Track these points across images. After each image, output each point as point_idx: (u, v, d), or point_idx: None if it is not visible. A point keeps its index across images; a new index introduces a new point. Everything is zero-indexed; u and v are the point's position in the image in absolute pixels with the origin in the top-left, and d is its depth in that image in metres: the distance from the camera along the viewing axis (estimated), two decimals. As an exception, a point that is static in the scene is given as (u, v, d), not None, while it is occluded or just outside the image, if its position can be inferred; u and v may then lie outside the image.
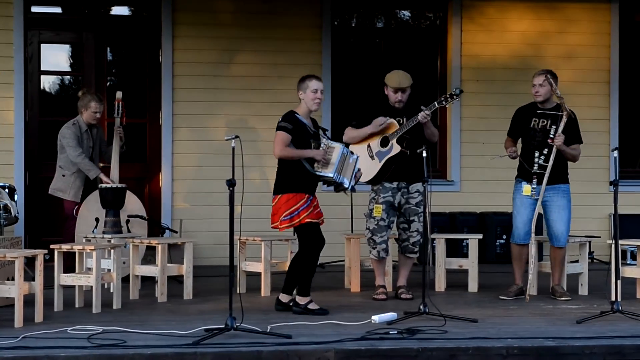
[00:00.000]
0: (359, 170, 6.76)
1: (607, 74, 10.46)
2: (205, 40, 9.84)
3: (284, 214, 6.44)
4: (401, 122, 7.19)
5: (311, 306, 6.46)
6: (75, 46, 10.09)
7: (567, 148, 7.18)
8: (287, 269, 7.62)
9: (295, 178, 6.48)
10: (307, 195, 6.48)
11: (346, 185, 6.64)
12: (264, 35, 9.89)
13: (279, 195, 6.50)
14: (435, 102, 7.11)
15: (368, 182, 7.25)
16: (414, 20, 10.82)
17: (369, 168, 7.15)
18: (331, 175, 6.49)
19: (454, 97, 7.08)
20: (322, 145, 6.56)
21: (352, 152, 6.75)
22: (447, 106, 7.22)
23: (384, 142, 7.20)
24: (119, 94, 8.61)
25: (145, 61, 10.03)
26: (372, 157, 7.23)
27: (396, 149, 7.14)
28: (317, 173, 6.50)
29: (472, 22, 10.31)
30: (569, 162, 7.37)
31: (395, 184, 7.21)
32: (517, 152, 7.34)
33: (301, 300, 6.49)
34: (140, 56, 10.15)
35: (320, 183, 6.70)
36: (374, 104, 7.49)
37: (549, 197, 7.22)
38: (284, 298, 6.61)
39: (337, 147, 6.57)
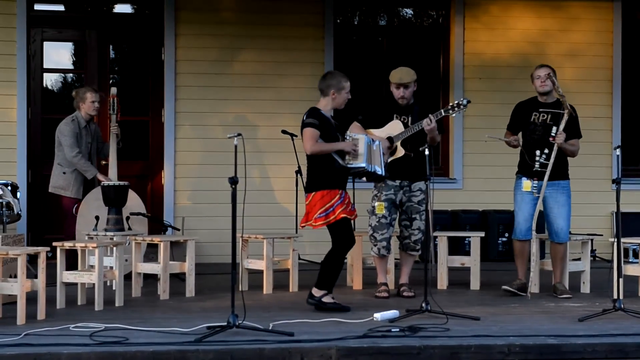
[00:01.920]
0: (384, 154, 6.75)
1: (610, 72, 10.45)
2: (208, 38, 9.84)
3: (318, 211, 6.37)
4: (406, 121, 7.18)
5: (325, 299, 6.40)
6: (78, 44, 10.09)
7: (567, 144, 7.19)
8: (289, 266, 7.65)
9: (328, 174, 6.43)
10: (340, 190, 6.44)
11: (380, 173, 6.65)
12: (266, 34, 9.89)
13: (313, 193, 6.43)
14: (442, 110, 7.08)
15: None
16: (417, 18, 10.81)
17: None
18: (363, 165, 6.48)
19: (462, 107, 7.06)
20: (347, 137, 6.56)
21: (373, 140, 6.71)
22: (453, 115, 7.19)
23: (389, 142, 7.18)
24: (113, 90, 8.62)
25: (147, 59, 10.03)
26: None
27: (400, 151, 7.13)
28: (350, 165, 6.48)
29: (474, 20, 10.30)
30: (569, 159, 7.38)
31: (397, 182, 7.20)
32: (520, 142, 7.31)
33: (316, 292, 6.43)
34: (143, 54, 10.16)
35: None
36: (380, 100, 7.48)
37: (549, 193, 7.21)
38: (316, 292, 6.47)
39: (361, 138, 6.55)
